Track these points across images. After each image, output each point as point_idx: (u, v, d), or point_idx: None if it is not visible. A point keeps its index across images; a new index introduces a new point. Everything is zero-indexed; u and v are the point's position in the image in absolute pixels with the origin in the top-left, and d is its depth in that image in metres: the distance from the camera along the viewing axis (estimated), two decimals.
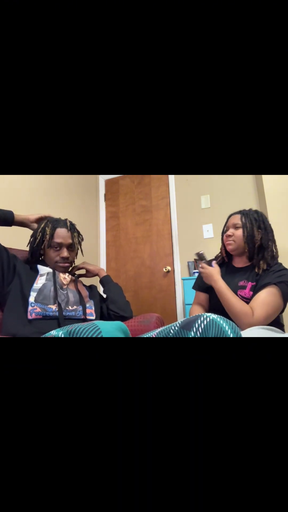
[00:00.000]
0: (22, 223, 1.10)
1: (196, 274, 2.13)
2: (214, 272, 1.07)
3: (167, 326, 0.66)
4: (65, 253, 1.08)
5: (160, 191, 2.63)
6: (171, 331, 0.63)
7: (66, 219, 1.14)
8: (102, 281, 1.24)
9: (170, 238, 2.49)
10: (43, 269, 1.07)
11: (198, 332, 0.59)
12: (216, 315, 0.61)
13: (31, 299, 0.95)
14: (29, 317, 0.91)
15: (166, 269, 2.43)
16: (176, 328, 0.63)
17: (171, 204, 2.56)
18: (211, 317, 0.60)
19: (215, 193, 2.40)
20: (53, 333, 0.56)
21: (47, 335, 0.57)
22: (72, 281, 1.12)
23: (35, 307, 0.93)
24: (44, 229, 1.08)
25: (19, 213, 1.10)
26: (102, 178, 2.91)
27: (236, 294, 1.06)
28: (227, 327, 0.58)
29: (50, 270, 1.07)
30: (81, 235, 1.19)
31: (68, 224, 1.12)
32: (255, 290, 1.04)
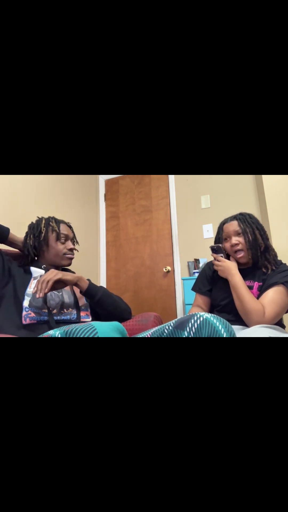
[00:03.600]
0: (14, 244, 1.10)
1: (196, 274, 2.13)
2: (233, 266, 1.05)
3: (161, 325, 0.66)
4: (71, 244, 1.14)
5: (160, 191, 2.63)
6: (165, 331, 0.63)
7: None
8: (86, 295, 1.01)
9: (170, 238, 2.50)
10: (36, 272, 1.06)
11: (191, 332, 0.58)
12: (210, 314, 0.60)
13: (25, 303, 0.93)
14: (24, 322, 0.90)
15: (166, 269, 2.43)
16: (170, 328, 0.62)
17: (171, 204, 2.56)
18: (204, 317, 0.59)
19: (215, 193, 2.40)
20: (50, 332, 0.56)
21: (44, 334, 0.57)
22: None
23: (30, 312, 0.92)
24: (48, 224, 1.11)
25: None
26: (102, 178, 2.91)
27: None
28: (220, 326, 0.57)
29: (43, 272, 1.06)
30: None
31: (66, 222, 1.19)
32: (262, 290, 1.04)
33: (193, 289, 1.26)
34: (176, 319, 0.63)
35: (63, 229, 1.13)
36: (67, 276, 0.94)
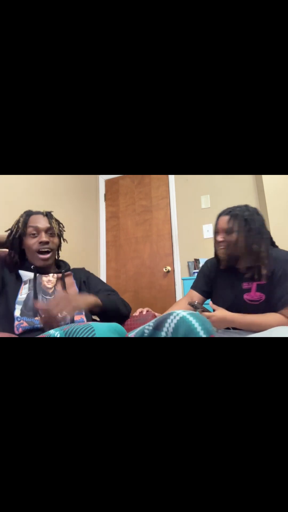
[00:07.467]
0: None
1: (196, 274, 2.13)
2: (225, 313, 0.97)
3: (143, 326, 0.65)
4: (43, 237, 0.97)
5: (160, 191, 2.63)
6: (146, 331, 0.62)
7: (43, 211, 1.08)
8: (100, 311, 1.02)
9: (170, 238, 2.50)
10: (25, 275, 0.98)
11: (169, 332, 0.57)
12: (188, 312, 0.58)
13: (17, 313, 0.88)
14: (16, 332, 0.86)
15: (166, 269, 2.43)
16: (150, 328, 0.62)
17: (171, 204, 2.56)
18: (181, 315, 0.57)
19: (215, 193, 2.40)
20: (51, 332, 0.56)
21: (45, 334, 0.57)
22: (59, 280, 1.02)
23: (22, 321, 0.87)
24: (18, 220, 1.00)
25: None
26: (102, 178, 2.91)
27: (242, 298, 1.03)
28: (197, 325, 0.55)
29: (31, 275, 0.98)
30: (62, 224, 1.10)
31: (44, 211, 1.05)
32: (269, 289, 0.99)
33: (192, 286, 1.22)
34: (156, 318, 0.62)
35: (34, 220, 0.98)
36: (80, 303, 0.86)
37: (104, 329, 0.55)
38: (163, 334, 0.58)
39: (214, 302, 1.14)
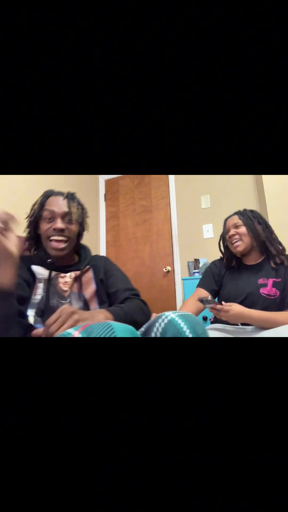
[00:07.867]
0: None
1: (197, 274, 2.13)
2: (241, 309, 0.96)
3: (140, 329, 0.64)
4: (58, 224, 0.83)
5: (160, 191, 2.63)
6: (138, 333, 0.61)
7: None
8: None
9: (170, 238, 2.50)
10: (39, 273, 0.86)
11: (157, 335, 0.56)
12: (177, 314, 0.57)
13: (30, 320, 0.78)
14: None
15: (166, 269, 2.43)
16: (142, 330, 0.61)
17: (171, 204, 2.56)
18: (169, 318, 0.56)
19: (215, 193, 2.40)
20: (69, 331, 0.55)
21: (65, 334, 0.55)
22: (76, 280, 0.88)
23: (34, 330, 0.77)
24: (36, 201, 0.89)
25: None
26: (102, 178, 2.91)
27: (259, 292, 1.05)
28: (185, 327, 0.54)
29: (46, 274, 0.86)
30: (86, 209, 0.96)
31: (66, 193, 0.91)
32: (284, 287, 1.03)
33: (199, 285, 1.21)
34: (148, 322, 0.61)
35: (51, 203, 0.86)
36: (84, 316, 0.66)
37: (121, 329, 0.54)
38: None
39: (225, 298, 1.15)
